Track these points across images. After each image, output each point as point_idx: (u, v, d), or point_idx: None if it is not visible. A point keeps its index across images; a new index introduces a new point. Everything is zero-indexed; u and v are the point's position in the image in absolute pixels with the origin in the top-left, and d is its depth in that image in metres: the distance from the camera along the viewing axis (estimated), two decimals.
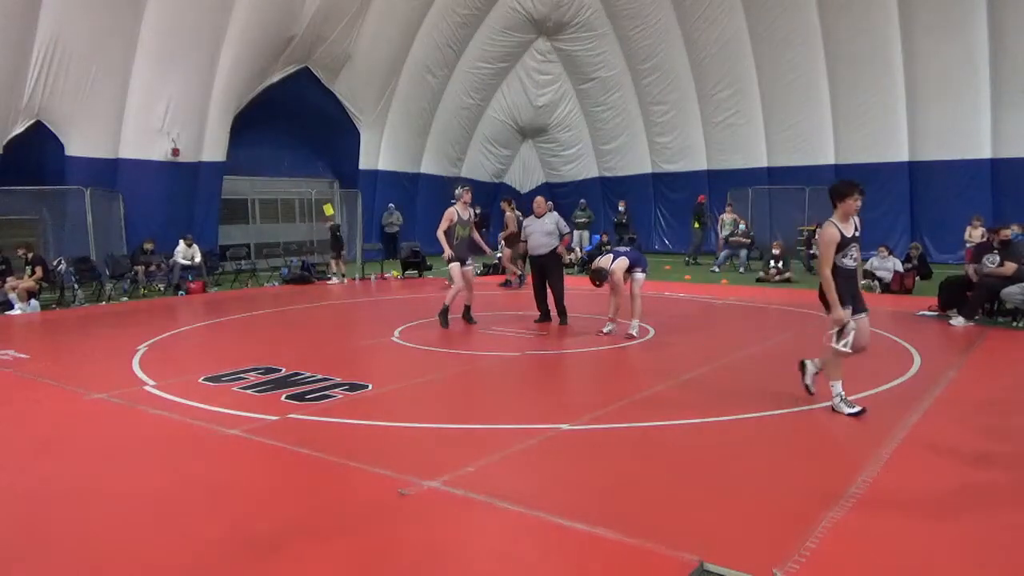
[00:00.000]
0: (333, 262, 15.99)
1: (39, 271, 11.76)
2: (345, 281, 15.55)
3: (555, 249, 9.25)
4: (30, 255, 11.91)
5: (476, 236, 9.67)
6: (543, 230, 9.23)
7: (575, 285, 11.54)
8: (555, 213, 9.45)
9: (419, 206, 21.65)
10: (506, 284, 14.10)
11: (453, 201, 9.64)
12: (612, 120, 23.30)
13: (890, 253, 13.22)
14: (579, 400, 6.17)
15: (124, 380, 6.66)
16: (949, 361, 7.23)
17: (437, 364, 7.44)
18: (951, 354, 7.68)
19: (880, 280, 12.86)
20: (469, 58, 21.72)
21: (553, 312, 9.43)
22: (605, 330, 8.63)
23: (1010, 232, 9.75)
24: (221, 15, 15.36)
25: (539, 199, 9.56)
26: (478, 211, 21.77)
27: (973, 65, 16.97)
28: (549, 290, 9.40)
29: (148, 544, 3.41)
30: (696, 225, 19.62)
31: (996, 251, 9.40)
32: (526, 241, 9.57)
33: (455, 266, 9.32)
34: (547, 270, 9.34)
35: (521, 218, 14.55)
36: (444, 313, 9.28)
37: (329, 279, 15.74)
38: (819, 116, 19.35)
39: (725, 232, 18.31)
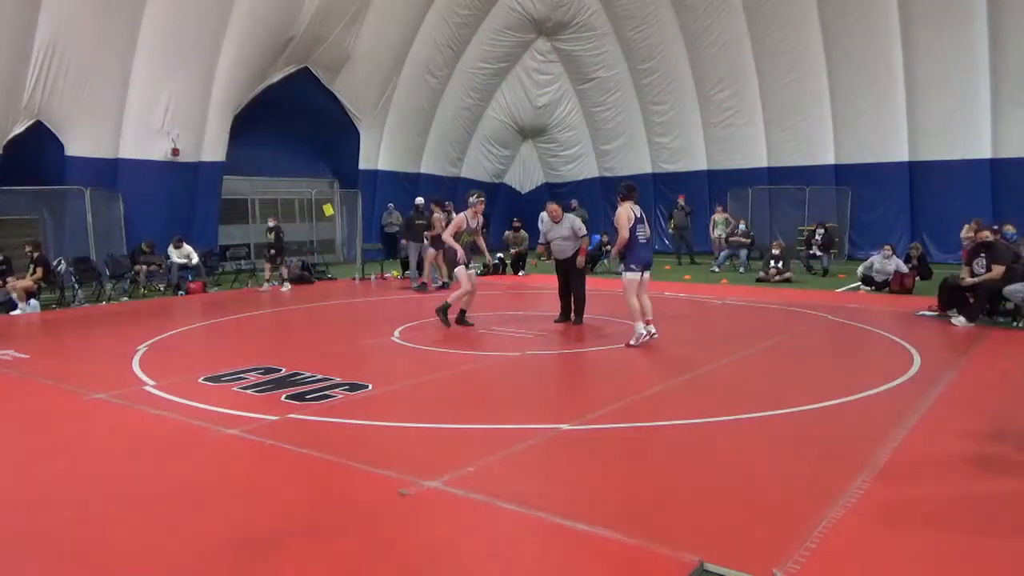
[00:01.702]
0: (268, 267, 14.42)
1: (40, 272, 11.75)
2: (286, 288, 14.13)
3: (576, 253, 9.33)
4: (35, 254, 11.88)
5: (480, 241, 9.83)
6: (560, 235, 9.40)
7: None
8: (571, 216, 9.58)
9: None
10: (421, 288, 13.84)
11: (472, 201, 9.73)
12: (612, 120, 23.30)
13: (893, 252, 13.19)
14: (579, 400, 6.18)
15: (124, 380, 6.66)
16: (949, 361, 7.23)
17: (437, 364, 7.44)
18: (951, 354, 7.68)
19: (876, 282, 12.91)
20: (469, 58, 21.71)
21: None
22: (633, 342, 7.95)
23: (987, 234, 9.65)
24: (221, 15, 15.35)
25: (552, 207, 9.63)
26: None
27: (973, 65, 16.97)
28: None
29: (148, 544, 3.41)
30: (672, 228, 19.52)
31: (983, 255, 9.33)
32: (548, 244, 9.69)
33: (461, 269, 9.38)
34: (569, 273, 9.44)
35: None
36: (444, 310, 9.27)
37: (262, 285, 14.36)
38: (819, 116, 19.34)
39: (717, 232, 18.28)
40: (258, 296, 13.41)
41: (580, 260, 9.29)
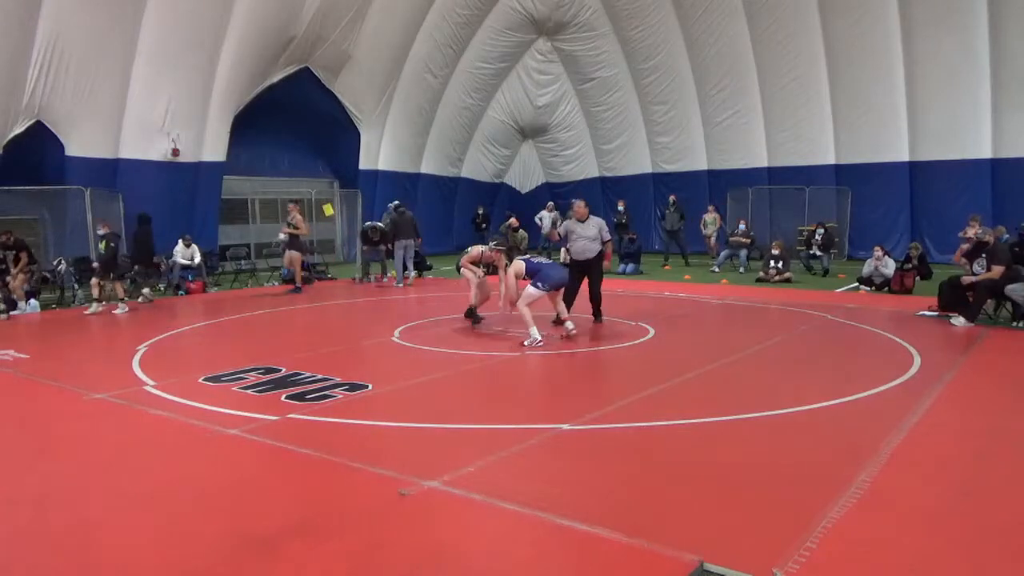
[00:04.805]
0: (96, 284, 11.34)
1: (24, 257, 11.37)
2: (121, 310, 11.21)
3: (600, 253, 9.25)
4: (11, 240, 11.35)
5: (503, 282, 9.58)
6: (587, 235, 9.13)
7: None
8: (596, 217, 9.35)
9: (419, 206, 21.64)
10: (296, 290, 13.65)
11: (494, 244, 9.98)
12: (612, 120, 23.30)
13: (885, 254, 13.17)
14: (579, 400, 6.17)
15: (124, 380, 6.66)
16: (949, 361, 7.23)
17: (437, 364, 7.44)
18: (951, 354, 7.67)
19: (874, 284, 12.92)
20: (469, 58, 21.71)
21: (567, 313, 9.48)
22: (526, 343, 8.10)
23: (989, 238, 9.65)
24: (221, 15, 15.35)
25: (579, 205, 9.25)
26: (481, 211, 21.92)
27: (973, 65, 16.96)
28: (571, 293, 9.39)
29: (148, 544, 3.41)
30: (665, 230, 19.44)
31: (983, 256, 9.37)
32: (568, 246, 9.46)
33: (470, 275, 9.55)
34: (589, 273, 9.32)
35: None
36: (471, 312, 9.37)
37: (90, 305, 11.29)
38: (819, 116, 19.34)
39: (707, 231, 18.23)
40: (151, 309, 11.66)
41: (607, 264, 9.40)
